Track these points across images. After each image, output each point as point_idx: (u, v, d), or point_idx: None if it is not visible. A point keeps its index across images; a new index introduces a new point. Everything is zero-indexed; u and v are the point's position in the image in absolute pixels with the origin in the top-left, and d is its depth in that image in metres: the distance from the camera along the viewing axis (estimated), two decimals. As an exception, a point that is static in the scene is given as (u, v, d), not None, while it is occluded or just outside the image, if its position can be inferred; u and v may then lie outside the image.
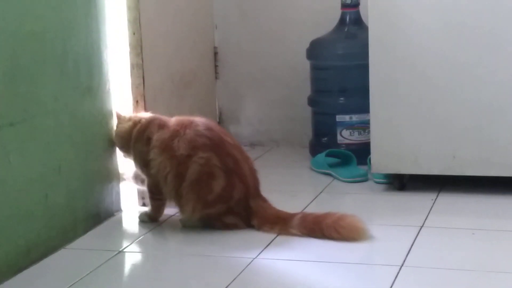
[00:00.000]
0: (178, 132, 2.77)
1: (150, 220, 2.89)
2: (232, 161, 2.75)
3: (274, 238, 2.70)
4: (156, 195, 2.85)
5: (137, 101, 3.07)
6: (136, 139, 2.86)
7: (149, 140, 2.82)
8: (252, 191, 2.78)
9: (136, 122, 2.88)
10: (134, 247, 2.73)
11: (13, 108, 2.46)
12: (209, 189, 2.73)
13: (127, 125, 2.88)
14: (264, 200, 2.81)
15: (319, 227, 2.65)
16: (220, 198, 2.74)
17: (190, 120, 2.80)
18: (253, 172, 2.82)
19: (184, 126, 2.78)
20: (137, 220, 2.93)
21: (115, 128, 2.93)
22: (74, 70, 2.74)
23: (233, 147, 2.78)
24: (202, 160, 2.73)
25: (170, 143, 2.76)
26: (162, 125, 2.83)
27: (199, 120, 2.81)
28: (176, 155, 2.75)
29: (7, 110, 2.44)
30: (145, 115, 2.93)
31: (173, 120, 2.84)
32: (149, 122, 2.86)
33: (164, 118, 2.88)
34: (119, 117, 2.93)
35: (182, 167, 2.75)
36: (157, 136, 2.81)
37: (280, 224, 2.72)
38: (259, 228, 2.75)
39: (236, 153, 2.78)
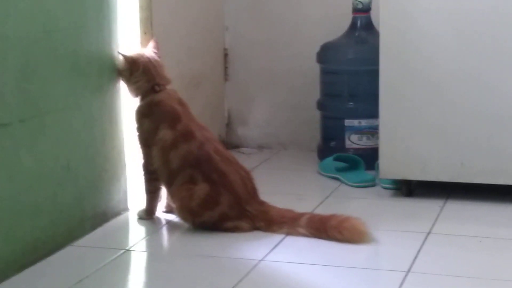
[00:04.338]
0: (177, 142, 2.82)
1: (147, 214, 2.92)
2: (217, 175, 2.79)
3: (281, 240, 2.70)
4: (152, 176, 2.90)
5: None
6: (149, 113, 2.88)
7: (159, 124, 2.84)
8: (244, 197, 2.80)
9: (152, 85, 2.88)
10: (140, 246, 2.73)
11: (24, 105, 2.47)
12: (190, 196, 2.78)
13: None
14: (261, 203, 2.83)
15: (324, 228, 2.68)
16: (205, 205, 2.77)
17: (191, 134, 2.83)
18: (246, 181, 2.84)
19: (185, 137, 2.82)
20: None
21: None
22: (85, 68, 2.74)
23: (222, 162, 2.82)
24: (186, 174, 2.79)
25: (168, 153, 2.82)
26: (172, 125, 2.83)
27: (199, 136, 2.83)
28: (168, 167, 2.82)
29: (18, 107, 2.44)
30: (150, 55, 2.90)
31: (182, 122, 2.85)
32: (169, 106, 2.87)
33: (180, 110, 2.87)
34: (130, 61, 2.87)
35: (172, 177, 2.83)
36: (162, 134, 2.83)
37: (289, 223, 2.74)
38: (266, 229, 2.76)
39: (225, 167, 2.81)
